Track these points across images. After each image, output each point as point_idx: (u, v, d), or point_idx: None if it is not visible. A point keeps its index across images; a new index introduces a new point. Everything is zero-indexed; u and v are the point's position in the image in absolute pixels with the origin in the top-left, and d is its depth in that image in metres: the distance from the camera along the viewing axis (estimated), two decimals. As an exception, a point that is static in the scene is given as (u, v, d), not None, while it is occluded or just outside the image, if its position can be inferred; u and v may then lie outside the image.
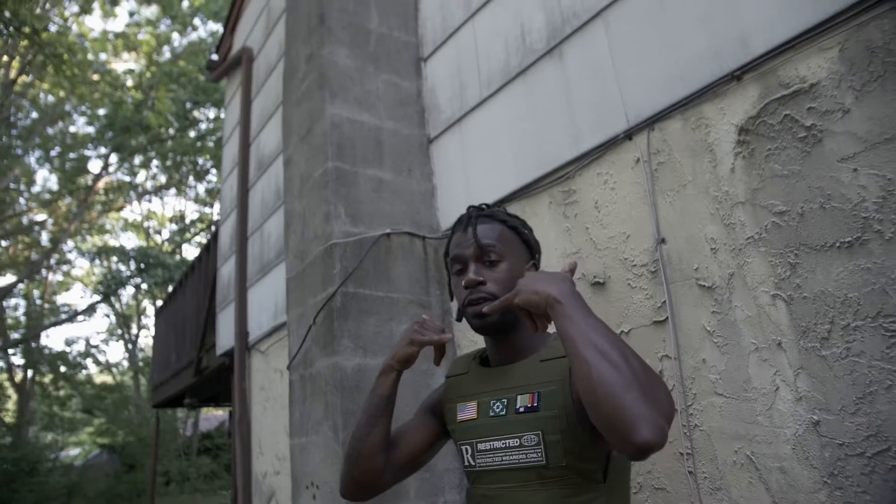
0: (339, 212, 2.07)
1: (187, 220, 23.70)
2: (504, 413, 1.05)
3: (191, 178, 22.71)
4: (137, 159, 20.90)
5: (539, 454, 0.99)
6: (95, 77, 17.17)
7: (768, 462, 1.29)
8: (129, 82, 19.11)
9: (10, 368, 20.24)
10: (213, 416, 22.02)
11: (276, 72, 4.22)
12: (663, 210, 1.56)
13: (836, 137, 1.23)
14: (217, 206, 22.09)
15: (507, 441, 1.03)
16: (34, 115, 18.14)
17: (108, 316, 23.32)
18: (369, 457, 1.13)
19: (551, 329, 1.08)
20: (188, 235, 23.23)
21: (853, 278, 1.18)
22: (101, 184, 20.47)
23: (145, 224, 23.87)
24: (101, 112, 18.81)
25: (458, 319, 1.14)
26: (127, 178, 21.74)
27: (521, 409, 1.03)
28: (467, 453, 1.09)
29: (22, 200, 19.71)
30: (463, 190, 2.23)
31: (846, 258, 1.20)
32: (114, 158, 20.10)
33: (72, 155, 19.65)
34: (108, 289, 19.22)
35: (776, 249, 1.32)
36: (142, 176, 22.37)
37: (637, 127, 1.64)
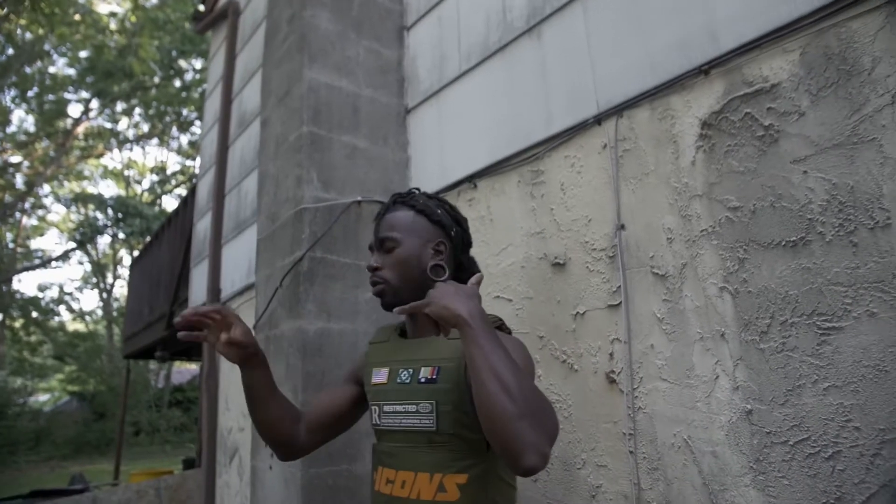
0: (312, 177, 2.08)
1: (168, 172, 23.37)
2: (409, 381, 1.20)
3: (174, 128, 22.33)
4: (120, 106, 20.46)
5: (431, 421, 1.14)
6: (77, 17, 16.63)
7: (703, 446, 1.35)
8: (113, 26, 18.58)
9: (-21, 311, 20.02)
10: (185, 369, 22.08)
11: (261, 28, 4.14)
12: (625, 197, 1.60)
13: (791, 139, 1.26)
14: (199, 160, 21.78)
15: (407, 406, 1.18)
16: (10, 51, 17.59)
17: (82, 263, 23.08)
18: (269, 431, 1.27)
19: None
20: (169, 187, 22.95)
21: (794, 276, 1.23)
22: (80, 128, 20.06)
23: (125, 173, 23.50)
24: (83, 55, 18.32)
25: None
26: (108, 125, 21.31)
27: (423, 380, 1.18)
28: (375, 413, 1.24)
29: (-3, 140, 19.25)
30: (437, 161, 2.24)
31: (790, 257, 1.24)
32: (95, 103, 19.65)
33: (50, 97, 19.17)
34: (84, 236, 19.01)
35: (727, 243, 1.36)
36: (123, 123, 21.94)
37: (606, 113, 1.66)
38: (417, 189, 1.38)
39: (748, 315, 1.30)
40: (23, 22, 16.32)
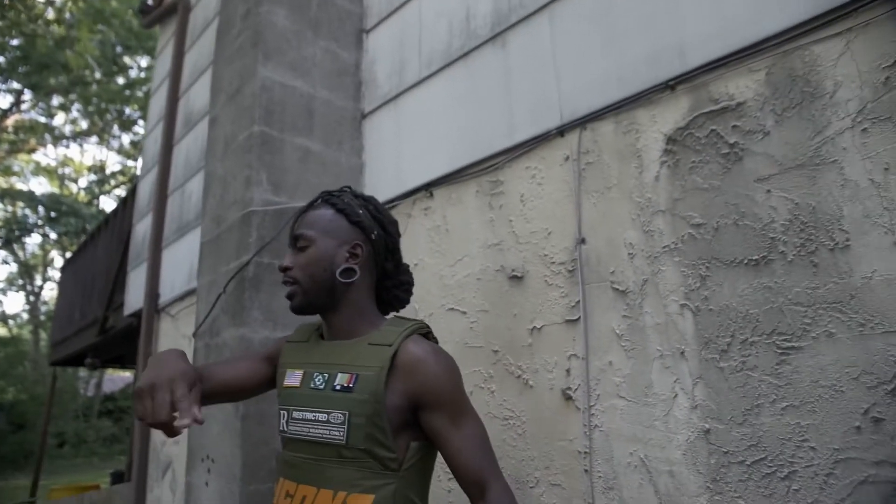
0: (262, 178, 1.98)
1: (107, 172, 22.45)
2: (322, 387, 1.10)
3: (115, 127, 21.49)
4: (56, 100, 19.54)
5: (341, 433, 1.04)
6: (6, 2, 15.74)
7: (660, 465, 1.33)
8: (50, 14, 17.74)
9: None
10: (118, 377, 21.14)
11: (212, 26, 4.01)
12: (587, 210, 1.58)
13: (755, 157, 1.26)
14: (141, 159, 21.03)
15: (317, 414, 1.08)
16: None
17: (7, 263, 21.81)
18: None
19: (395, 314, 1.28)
20: (107, 187, 22.02)
21: (755, 295, 1.23)
22: (10, 121, 19.02)
23: (60, 171, 22.42)
24: (14, 43, 17.40)
25: None
26: (42, 119, 20.29)
27: (338, 387, 1.08)
28: (283, 418, 1.14)
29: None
30: (394, 168, 2.18)
31: (752, 275, 1.24)
32: (28, 95, 18.71)
33: (-22, 86, 18.11)
34: (11, 234, 17.96)
35: (689, 260, 1.35)
36: (60, 118, 20.95)
37: (570, 124, 1.64)
38: (349, 188, 1.31)
39: (708, 333, 1.29)
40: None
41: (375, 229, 1.24)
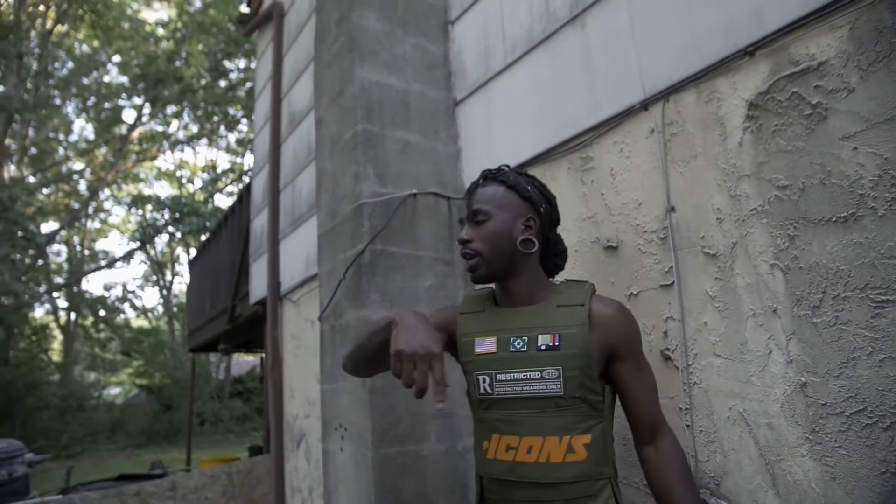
0: (368, 172, 2.18)
1: (219, 170, 24.07)
2: (525, 349, 1.21)
3: (222, 127, 22.95)
4: (170, 109, 21.14)
5: (558, 386, 1.18)
6: (129, 29, 17.28)
7: (758, 418, 1.39)
8: (161, 31, 19.17)
9: (55, 311, 21.17)
10: (244, 361, 22.86)
11: (306, 29, 4.27)
12: (674, 179, 1.63)
13: (840, 116, 1.28)
14: (248, 156, 22.37)
15: (528, 373, 1.20)
16: (70, 65, 18.40)
17: (144, 262, 24.05)
18: (367, 370, 1.46)
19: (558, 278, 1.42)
20: (220, 185, 23.63)
21: (846, 252, 1.26)
22: (135, 133, 20.82)
23: (178, 173, 24.34)
24: (135, 62, 18.99)
25: None
26: (160, 128, 22.06)
27: (543, 347, 1.20)
28: (485, 382, 1.25)
29: (61, 149, 20.22)
30: (486, 153, 2.31)
31: (841, 232, 1.27)
32: (147, 108, 20.36)
33: (107, 105, 19.98)
34: (144, 236, 19.77)
35: (777, 221, 1.39)
36: (174, 126, 22.65)
37: (653, 98, 1.70)
38: (507, 166, 1.42)
39: (800, 291, 1.33)
40: (80, 36, 17.05)
41: (543, 203, 1.36)
